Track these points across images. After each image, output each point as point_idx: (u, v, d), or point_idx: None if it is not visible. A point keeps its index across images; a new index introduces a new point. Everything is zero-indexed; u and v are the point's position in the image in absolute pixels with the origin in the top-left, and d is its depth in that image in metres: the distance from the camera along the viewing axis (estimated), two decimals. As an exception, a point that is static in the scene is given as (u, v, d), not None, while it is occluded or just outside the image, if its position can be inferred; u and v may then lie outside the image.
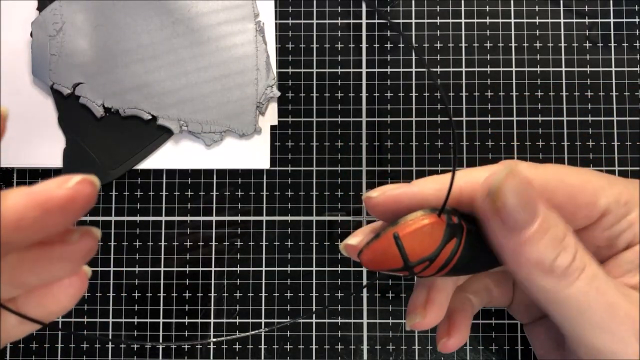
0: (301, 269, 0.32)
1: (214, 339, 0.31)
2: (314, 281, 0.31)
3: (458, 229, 0.20)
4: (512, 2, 0.33)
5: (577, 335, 0.19)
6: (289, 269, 0.32)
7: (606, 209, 0.21)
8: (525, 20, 0.32)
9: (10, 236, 0.15)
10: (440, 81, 0.32)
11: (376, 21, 0.33)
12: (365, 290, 0.32)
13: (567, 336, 0.20)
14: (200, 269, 0.32)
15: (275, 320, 0.31)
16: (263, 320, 0.31)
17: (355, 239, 0.22)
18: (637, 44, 0.32)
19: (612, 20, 0.32)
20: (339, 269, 0.32)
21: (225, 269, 0.32)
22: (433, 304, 0.23)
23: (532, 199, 0.19)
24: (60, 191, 0.15)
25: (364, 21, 0.33)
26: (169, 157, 0.32)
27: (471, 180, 0.21)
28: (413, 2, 0.33)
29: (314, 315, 0.31)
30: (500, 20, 0.33)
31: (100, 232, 0.18)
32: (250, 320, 0.31)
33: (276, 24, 0.33)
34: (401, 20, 0.33)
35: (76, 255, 0.17)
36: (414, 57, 0.33)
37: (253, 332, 0.31)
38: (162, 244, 0.32)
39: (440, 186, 0.21)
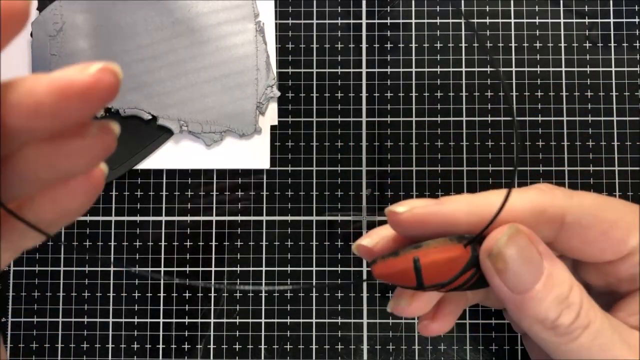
0: (301, 269, 0.32)
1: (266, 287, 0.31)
2: (314, 281, 0.31)
3: (478, 263, 0.20)
4: (512, 2, 0.33)
5: None
6: (289, 269, 0.32)
7: (634, 247, 0.21)
8: (525, 20, 0.32)
9: (28, 123, 0.14)
10: (440, 81, 0.32)
11: (376, 21, 0.33)
12: (365, 290, 0.32)
13: None
14: (200, 268, 0.32)
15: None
16: (263, 320, 0.31)
17: (368, 240, 0.22)
18: (637, 44, 0.32)
19: (612, 20, 0.32)
20: (339, 269, 0.32)
21: (225, 269, 0.32)
22: (422, 295, 0.23)
23: (536, 259, 0.19)
24: (81, 77, 0.14)
25: (364, 21, 0.33)
26: (169, 157, 0.32)
27: (506, 207, 0.20)
28: (413, 2, 0.33)
29: (314, 315, 0.31)
30: (500, 20, 0.33)
31: (118, 127, 0.17)
32: (250, 320, 0.31)
33: (276, 24, 0.33)
34: (401, 20, 0.33)
35: (93, 150, 0.16)
36: (414, 57, 0.33)
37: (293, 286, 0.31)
38: (162, 244, 0.32)
39: (474, 210, 0.20)
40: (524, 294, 0.19)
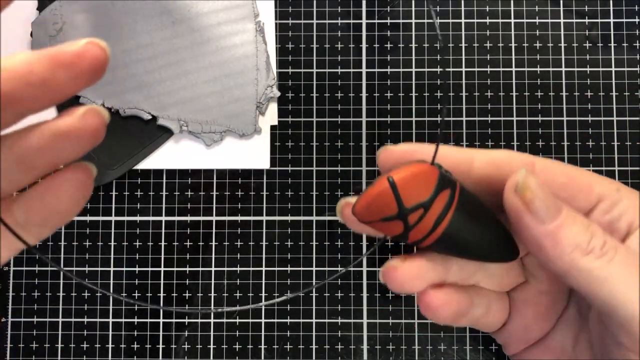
0: (301, 268, 0.32)
1: (215, 309, 0.31)
2: (314, 281, 0.31)
3: (451, 184, 0.21)
4: (512, 2, 0.33)
5: (620, 310, 0.20)
6: (289, 268, 0.32)
7: (601, 193, 0.23)
8: (525, 20, 0.32)
9: (21, 92, 0.16)
10: (441, 81, 0.32)
11: (376, 21, 0.33)
12: (365, 290, 0.32)
13: (610, 315, 0.21)
14: (201, 268, 0.32)
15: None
16: (263, 320, 0.31)
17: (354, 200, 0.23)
18: (637, 44, 0.32)
19: (612, 20, 0.32)
20: (339, 269, 0.32)
21: (225, 269, 0.32)
22: (414, 259, 0.23)
23: (552, 194, 0.21)
24: (70, 47, 0.16)
25: (364, 21, 0.33)
26: (169, 157, 0.32)
27: (485, 157, 0.23)
28: (413, 2, 0.33)
29: (314, 315, 0.31)
30: (500, 20, 0.33)
31: (107, 114, 0.18)
32: (250, 320, 0.31)
33: (276, 24, 0.33)
34: (401, 20, 0.33)
35: (81, 132, 0.17)
36: (414, 57, 0.33)
37: (254, 306, 0.31)
38: (162, 244, 0.32)
39: (459, 154, 0.23)
40: (554, 222, 0.20)
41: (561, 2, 0.33)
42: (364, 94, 0.32)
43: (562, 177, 0.23)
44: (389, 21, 0.33)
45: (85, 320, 0.32)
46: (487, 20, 0.33)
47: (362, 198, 0.21)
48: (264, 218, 0.32)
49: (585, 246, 0.20)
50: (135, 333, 0.31)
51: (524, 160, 0.23)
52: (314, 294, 0.31)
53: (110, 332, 0.31)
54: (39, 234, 0.18)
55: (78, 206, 0.18)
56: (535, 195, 0.20)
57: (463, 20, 0.33)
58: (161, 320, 0.31)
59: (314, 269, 0.32)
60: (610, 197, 0.23)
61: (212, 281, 0.32)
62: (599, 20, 0.32)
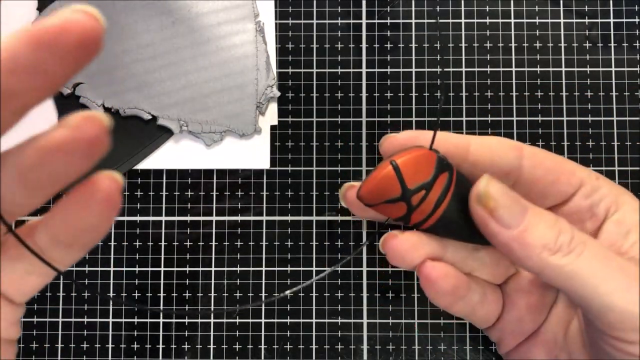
0: (301, 269, 0.32)
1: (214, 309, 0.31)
2: (313, 281, 0.31)
3: (449, 167, 0.22)
4: (512, 2, 0.33)
5: (594, 301, 0.20)
6: (289, 269, 0.32)
7: (583, 178, 0.24)
8: (525, 20, 0.32)
9: (8, 83, 0.13)
10: (440, 81, 0.32)
11: (376, 21, 0.33)
12: (365, 290, 0.32)
13: (586, 308, 0.21)
14: (200, 269, 0.32)
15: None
16: (263, 320, 0.31)
17: (357, 184, 0.25)
18: (637, 44, 0.32)
19: (612, 20, 0.32)
20: (339, 269, 0.32)
21: (225, 269, 0.32)
22: (412, 232, 0.24)
23: (516, 197, 0.21)
24: (51, 21, 0.13)
25: (364, 21, 0.33)
26: (169, 157, 0.32)
27: (480, 142, 0.24)
28: (413, 2, 0.33)
29: (314, 315, 0.31)
30: (500, 20, 0.33)
31: (108, 120, 0.15)
32: (250, 320, 0.31)
33: (276, 24, 0.33)
34: (401, 20, 0.33)
35: (76, 145, 0.15)
36: (414, 57, 0.33)
37: (253, 305, 0.31)
38: (162, 244, 0.32)
39: (458, 139, 0.24)
40: (519, 226, 0.21)
41: (561, 2, 0.33)
42: (364, 94, 0.32)
43: (550, 163, 0.24)
44: (389, 21, 0.33)
45: (85, 320, 0.32)
46: (487, 20, 0.33)
47: (366, 182, 0.22)
48: (264, 218, 0.32)
49: (553, 245, 0.20)
50: (135, 333, 0.31)
51: (512, 145, 0.24)
52: (313, 294, 0.31)
53: (110, 332, 0.31)
54: (67, 258, 0.17)
55: (108, 220, 0.16)
56: (498, 203, 0.20)
57: (463, 20, 0.33)
58: (161, 320, 0.31)
59: (314, 269, 0.32)
60: (591, 183, 0.24)
61: (212, 281, 0.32)
62: (599, 20, 0.32)
